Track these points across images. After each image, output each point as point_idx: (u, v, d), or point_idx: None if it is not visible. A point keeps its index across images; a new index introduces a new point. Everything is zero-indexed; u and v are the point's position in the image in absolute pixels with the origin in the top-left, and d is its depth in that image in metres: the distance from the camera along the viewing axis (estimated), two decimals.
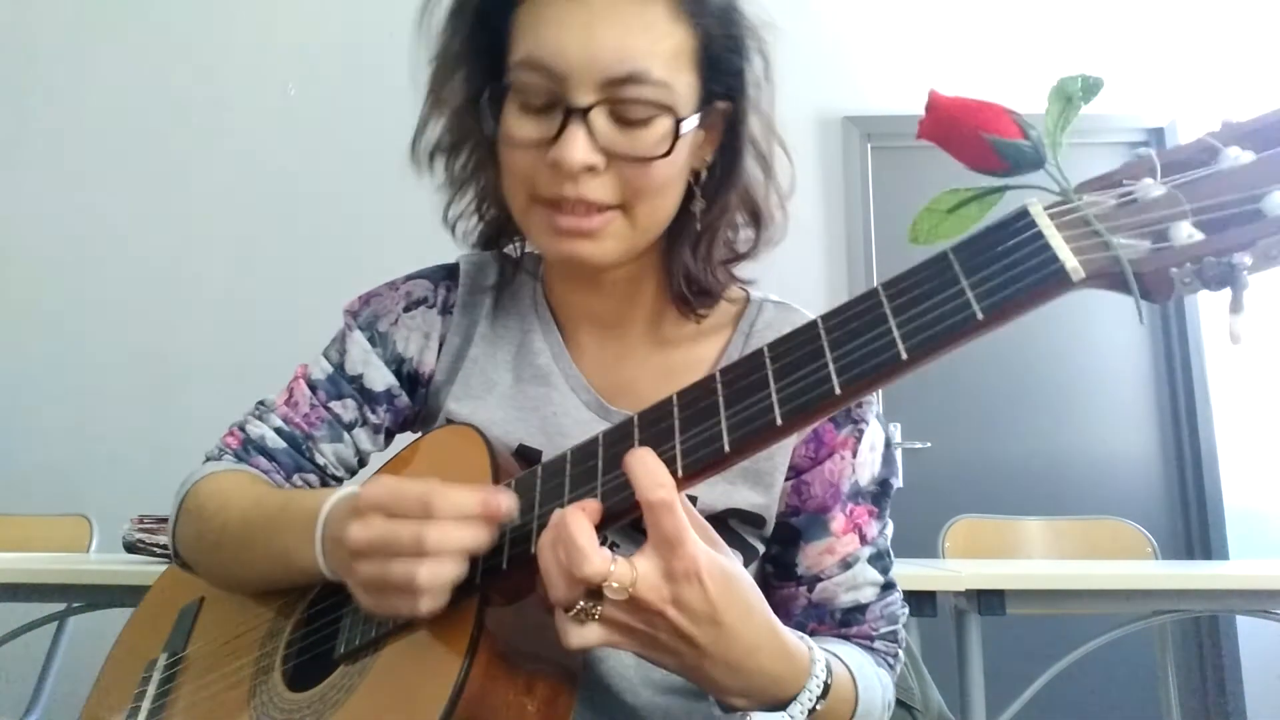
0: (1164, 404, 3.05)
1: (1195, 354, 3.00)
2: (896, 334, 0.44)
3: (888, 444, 0.77)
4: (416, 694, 0.53)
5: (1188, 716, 2.81)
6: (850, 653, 0.68)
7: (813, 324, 0.48)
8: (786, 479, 0.73)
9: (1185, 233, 0.39)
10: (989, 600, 1.53)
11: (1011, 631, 1.94)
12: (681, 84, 0.65)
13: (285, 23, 3.21)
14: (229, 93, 3.21)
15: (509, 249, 0.82)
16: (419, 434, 0.84)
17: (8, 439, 2.98)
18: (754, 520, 0.72)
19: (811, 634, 0.72)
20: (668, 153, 0.64)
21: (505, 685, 0.54)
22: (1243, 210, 0.39)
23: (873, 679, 0.67)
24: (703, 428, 0.50)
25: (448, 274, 0.83)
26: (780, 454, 0.72)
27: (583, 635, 0.49)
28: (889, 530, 0.77)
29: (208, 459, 0.80)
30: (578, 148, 0.62)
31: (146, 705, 0.73)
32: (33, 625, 1.85)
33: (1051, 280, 0.41)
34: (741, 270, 0.78)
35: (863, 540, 0.74)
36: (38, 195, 3.18)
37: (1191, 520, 2.95)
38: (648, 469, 0.48)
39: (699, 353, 0.77)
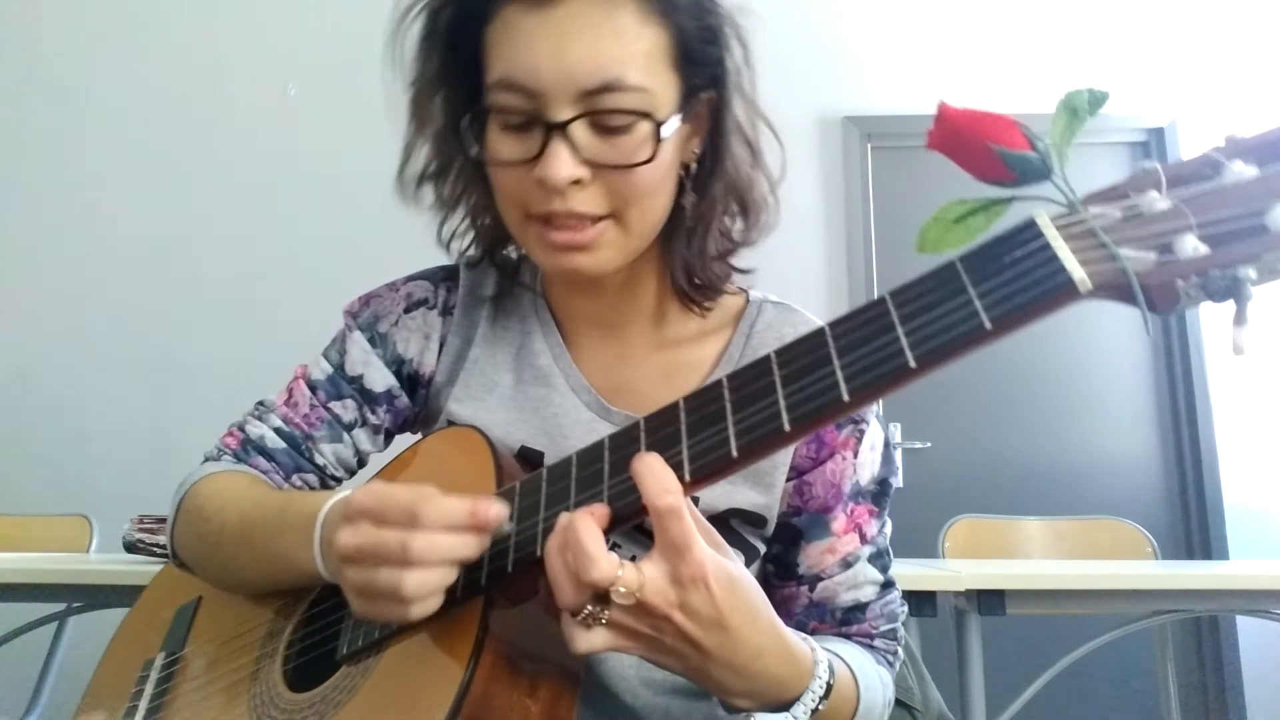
0: (1164, 404, 3.05)
1: (1195, 354, 3.00)
2: (905, 342, 0.44)
3: (887, 443, 0.77)
4: (420, 695, 0.53)
5: (1188, 716, 2.81)
6: (851, 652, 0.68)
7: (820, 331, 0.49)
8: (788, 479, 0.73)
9: (1191, 246, 0.40)
10: (989, 600, 1.53)
11: (1011, 631, 1.94)
12: (659, 84, 0.64)
13: (285, 23, 3.21)
14: (229, 93, 3.21)
15: (508, 250, 0.82)
16: (419, 435, 0.84)
17: (8, 439, 2.98)
18: (755, 520, 0.72)
19: (812, 633, 0.72)
20: (651, 158, 0.64)
21: (509, 687, 0.54)
22: (1247, 225, 0.39)
23: (873, 678, 0.67)
24: (710, 433, 0.50)
25: (448, 275, 0.83)
26: (781, 454, 0.73)
27: (589, 640, 0.49)
28: (888, 529, 0.77)
29: (206, 459, 0.80)
30: (561, 164, 0.62)
31: (144, 704, 0.73)
32: (33, 625, 1.85)
33: (1060, 291, 0.41)
34: (739, 260, 0.77)
35: (863, 539, 0.74)
36: (37, 194, 3.18)
37: (1191, 520, 2.95)
38: (655, 475, 0.48)
39: (699, 353, 0.77)
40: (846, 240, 3.11)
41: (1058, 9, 3.23)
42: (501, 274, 0.80)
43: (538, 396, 0.76)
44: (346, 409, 0.79)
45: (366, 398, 0.80)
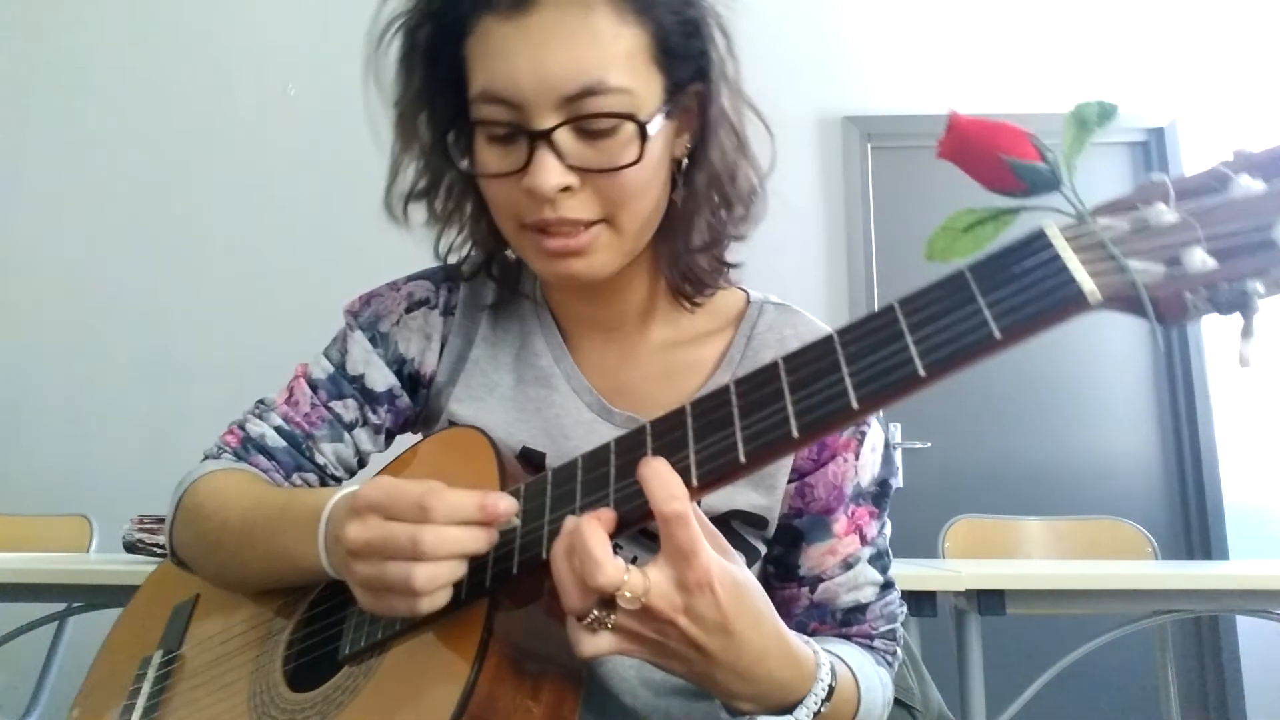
0: (1164, 404, 3.05)
1: (1195, 355, 3.00)
2: (914, 350, 0.45)
3: (887, 445, 0.78)
4: (424, 697, 0.53)
5: (1188, 716, 2.81)
6: (851, 653, 0.68)
7: (829, 338, 0.49)
8: (789, 481, 0.73)
9: (1199, 259, 0.40)
10: (989, 600, 1.53)
11: (1011, 631, 1.94)
12: (641, 83, 0.64)
13: (285, 23, 3.22)
14: (229, 93, 3.21)
15: (507, 253, 0.81)
16: (419, 435, 0.84)
17: (8, 439, 2.98)
18: (756, 522, 0.72)
19: (812, 633, 0.72)
20: (638, 159, 0.63)
21: (513, 689, 0.54)
22: (1255, 239, 0.40)
23: (873, 678, 0.68)
24: (717, 438, 0.50)
25: (449, 275, 0.83)
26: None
27: (595, 644, 0.50)
28: (887, 530, 0.77)
29: (206, 457, 0.80)
30: (548, 173, 0.62)
31: (141, 703, 0.73)
32: (33, 625, 1.85)
33: (1069, 302, 0.42)
34: (732, 255, 0.76)
35: (863, 541, 0.75)
36: (37, 196, 3.18)
37: (1191, 520, 2.95)
38: (662, 480, 0.48)
39: (701, 354, 0.77)
40: (846, 240, 3.11)
41: (1058, 9, 3.23)
42: (501, 285, 0.80)
43: (539, 397, 0.76)
44: (347, 408, 0.79)
45: (367, 397, 0.80)
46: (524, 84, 0.61)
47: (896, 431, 2.93)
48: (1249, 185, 0.41)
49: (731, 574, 0.51)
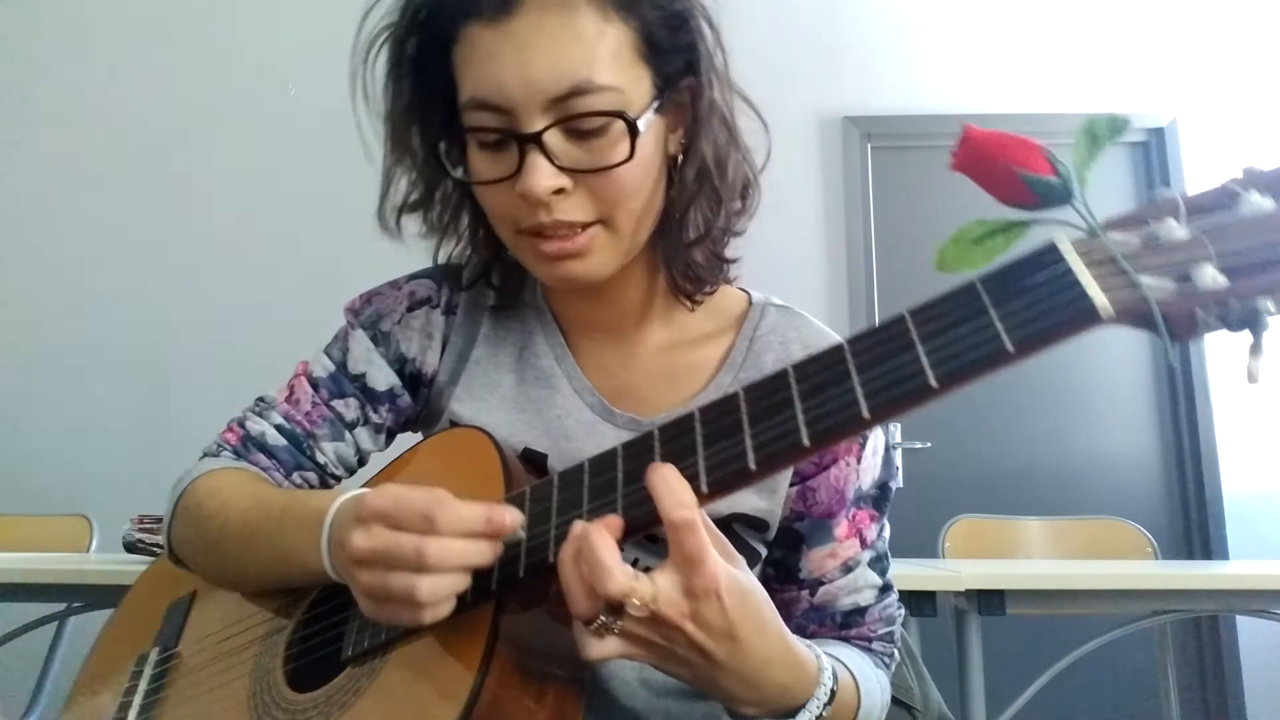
0: (1164, 404, 3.05)
1: (1195, 354, 3.00)
2: (925, 361, 0.45)
3: (888, 447, 0.78)
4: (429, 699, 0.53)
5: (1188, 716, 2.80)
6: (851, 656, 0.69)
7: (838, 347, 0.49)
8: (791, 484, 0.73)
9: (1209, 276, 0.40)
10: (989, 600, 1.53)
11: (1011, 631, 1.94)
12: (629, 81, 0.64)
13: (285, 23, 3.22)
14: (229, 93, 3.21)
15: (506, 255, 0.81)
16: (420, 434, 0.84)
17: (8, 439, 2.98)
18: (758, 525, 0.72)
19: (811, 635, 0.73)
20: (629, 156, 0.63)
21: (518, 692, 0.54)
22: (1266, 257, 0.40)
23: (873, 681, 0.68)
24: (726, 444, 0.50)
25: (450, 274, 0.83)
26: None
27: (601, 648, 0.50)
28: (886, 532, 0.77)
29: (205, 455, 0.80)
30: (540, 176, 0.62)
31: (138, 700, 0.73)
32: (33, 625, 1.85)
33: (1082, 317, 0.42)
34: (730, 250, 0.76)
35: (863, 544, 0.75)
36: (37, 195, 3.18)
37: (1191, 520, 2.95)
38: (670, 487, 0.48)
39: (703, 355, 0.76)
40: (846, 240, 3.11)
41: (1058, 9, 3.23)
42: (502, 294, 0.79)
43: (540, 398, 0.76)
44: (349, 407, 0.79)
45: (369, 396, 0.79)
46: (511, 88, 0.61)
47: (896, 432, 2.93)
48: (1259, 203, 0.41)
49: (738, 580, 0.51)
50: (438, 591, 0.52)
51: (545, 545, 0.54)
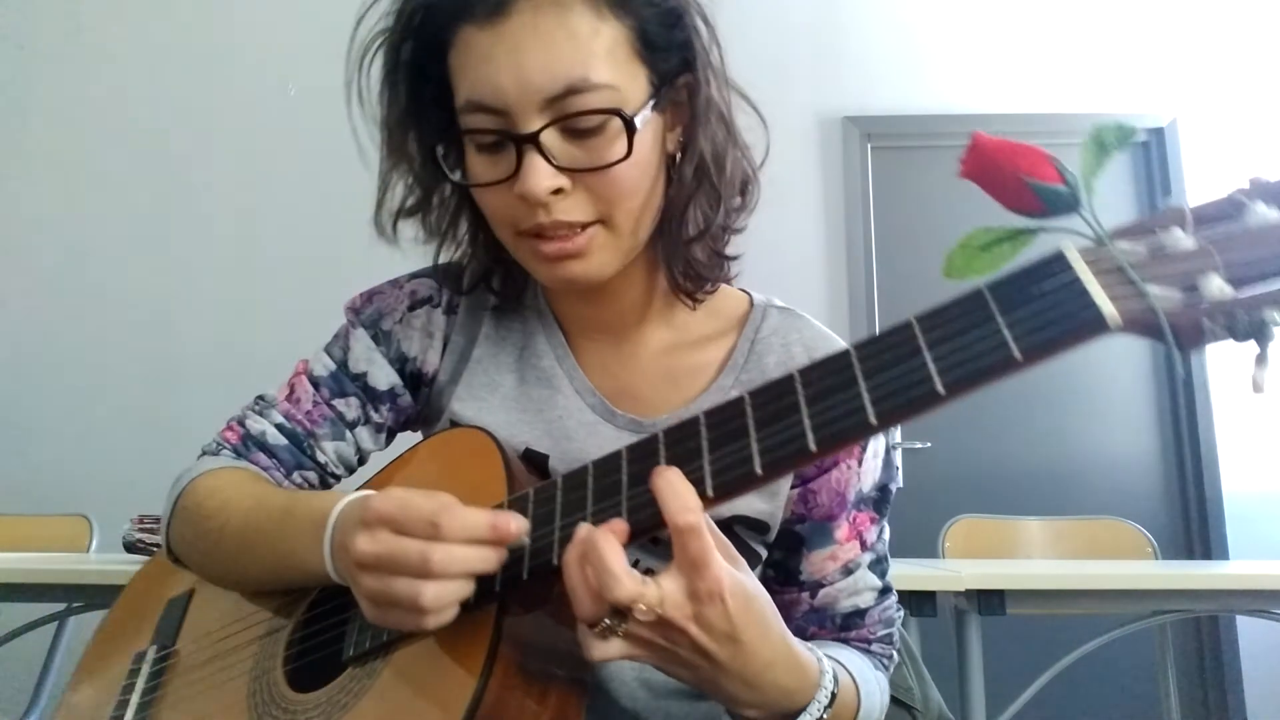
0: (1164, 404, 3.05)
1: (1196, 355, 3.00)
2: (933, 368, 0.45)
3: (888, 449, 0.77)
4: (432, 701, 0.53)
5: (1188, 716, 2.80)
6: (851, 658, 0.69)
7: (845, 352, 0.49)
8: (792, 487, 0.73)
9: (1216, 286, 0.40)
10: (989, 600, 1.53)
11: (1011, 631, 1.94)
12: (625, 78, 0.63)
13: (285, 23, 3.22)
14: (229, 93, 3.21)
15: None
16: (420, 433, 0.84)
17: (8, 439, 2.98)
18: (758, 527, 0.72)
19: (811, 637, 0.73)
20: (627, 154, 0.63)
21: (521, 694, 0.54)
22: (1272, 268, 0.40)
23: (872, 683, 0.68)
24: (732, 449, 0.50)
25: (451, 274, 0.83)
26: None
27: (605, 649, 0.50)
28: (886, 534, 0.77)
29: (204, 453, 0.79)
30: (538, 176, 0.62)
31: (136, 698, 0.72)
32: (33, 625, 1.85)
33: (1090, 326, 0.42)
34: (730, 248, 0.75)
35: (863, 546, 0.75)
36: (37, 195, 3.18)
37: (1191, 520, 2.95)
38: (676, 491, 0.49)
39: (704, 357, 0.76)
40: (846, 240, 3.11)
41: (1058, 9, 3.23)
42: (502, 299, 0.79)
43: (541, 398, 0.76)
44: (350, 407, 0.79)
45: (369, 395, 0.79)
46: (507, 89, 0.61)
47: (896, 433, 2.92)
48: (1265, 214, 0.41)
49: (742, 584, 0.51)
50: (442, 598, 0.52)
51: (550, 547, 0.53)
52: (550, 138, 0.62)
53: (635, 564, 0.50)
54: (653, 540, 0.65)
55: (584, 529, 0.50)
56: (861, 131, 3.17)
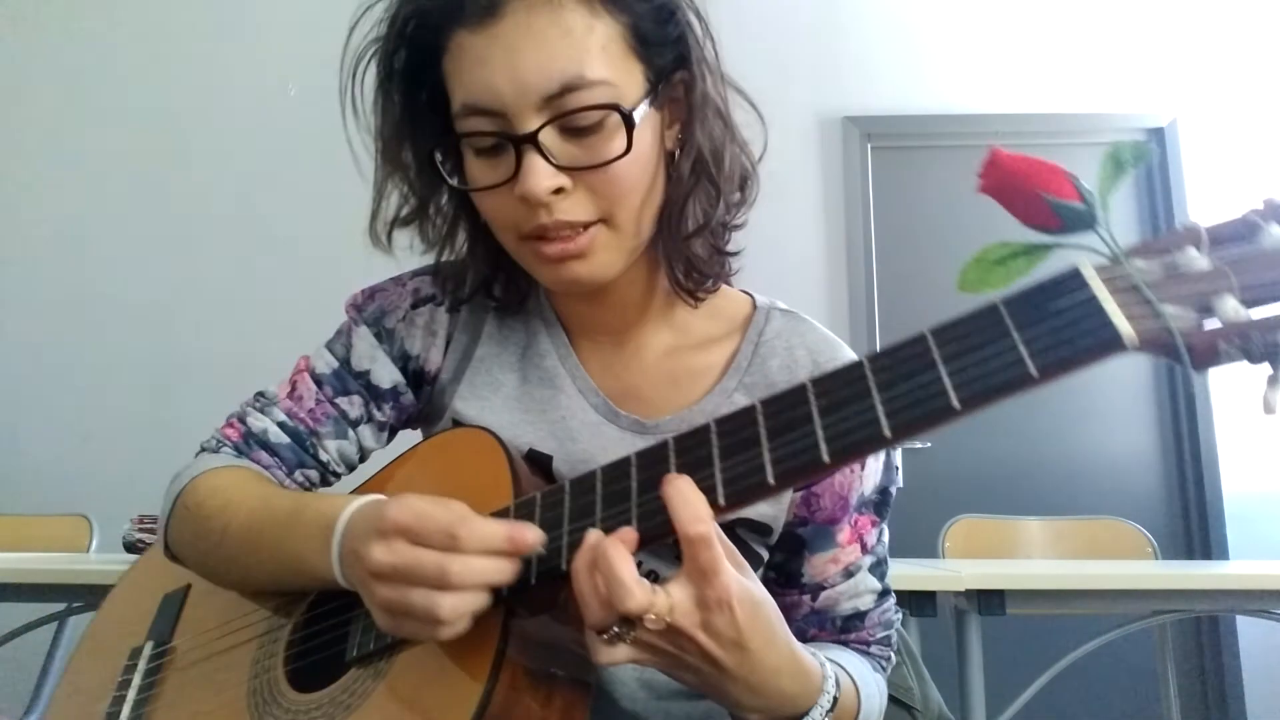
0: (1164, 404, 3.05)
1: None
2: (948, 382, 0.45)
3: (888, 451, 0.77)
4: (438, 704, 0.53)
5: (1188, 716, 2.81)
6: (851, 661, 0.69)
7: (858, 364, 0.49)
8: (795, 490, 0.73)
9: (1231, 307, 0.41)
10: (989, 600, 1.53)
11: (1011, 631, 1.94)
12: (622, 75, 0.63)
13: (285, 23, 3.22)
14: (229, 92, 3.21)
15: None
16: (421, 431, 0.84)
17: (8, 439, 2.98)
18: (761, 529, 0.72)
19: (811, 639, 0.73)
20: (627, 149, 0.63)
21: (528, 697, 0.54)
22: None
23: (872, 685, 0.69)
24: (744, 458, 0.50)
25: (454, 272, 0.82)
26: None
27: (612, 654, 0.50)
28: (886, 537, 0.77)
29: (203, 450, 0.78)
30: (538, 176, 0.61)
31: (132, 695, 0.72)
32: (33, 625, 1.85)
33: (1107, 344, 0.42)
34: (729, 244, 0.75)
35: (864, 549, 0.75)
36: (37, 194, 3.18)
37: (1191, 520, 2.95)
38: (687, 500, 0.49)
39: (707, 359, 0.76)
40: (846, 240, 3.11)
41: (1058, 9, 3.23)
42: (504, 308, 0.79)
43: (544, 398, 0.76)
44: (353, 405, 0.78)
45: (372, 394, 0.79)
46: (503, 90, 0.61)
47: None
48: (1278, 235, 0.41)
49: (749, 591, 0.51)
50: (459, 609, 0.51)
51: (558, 552, 0.53)
52: (549, 137, 0.62)
53: (639, 565, 0.50)
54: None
55: (594, 535, 0.50)
56: (861, 131, 3.17)
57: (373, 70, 0.69)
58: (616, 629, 0.49)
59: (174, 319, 3.06)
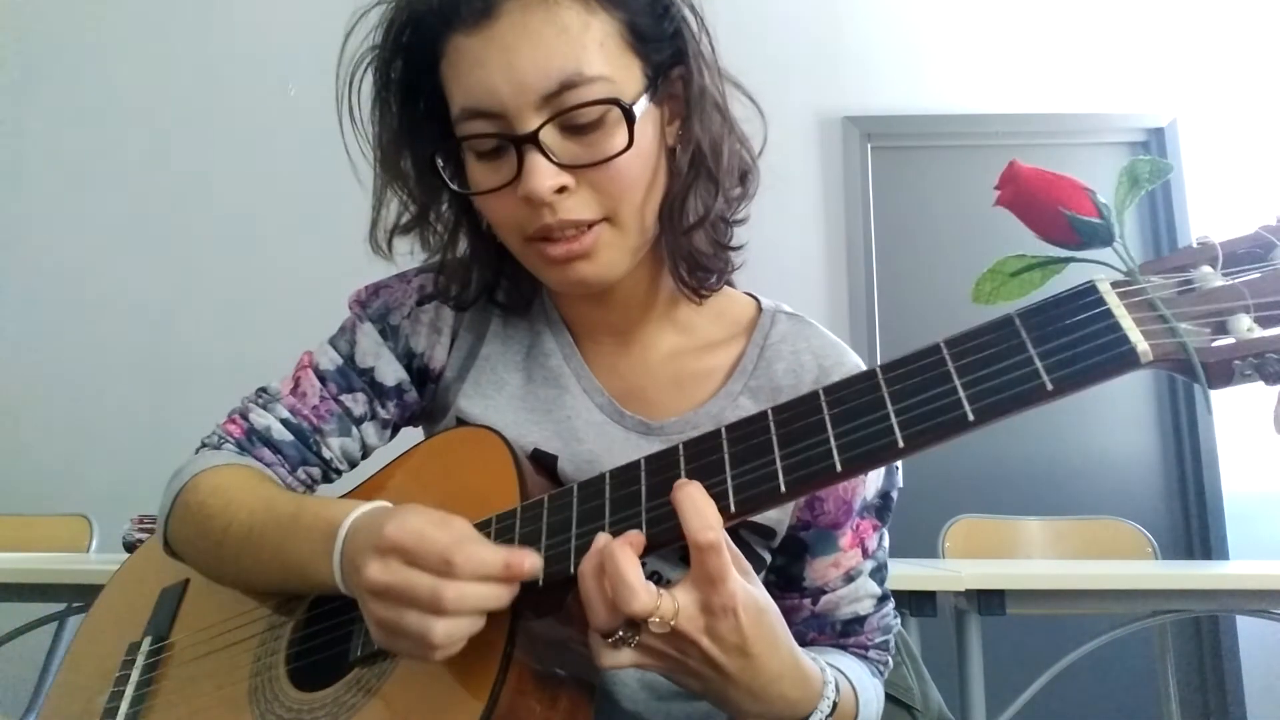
0: (1164, 404, 3.05)
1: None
2: (962, 394, 0.45)
3: None
4: (445, 706, 0.53)
5: (1188, 716, 2.80)
6: (850, 665, 0.69)
7: (871, 373, 0.49)
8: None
9: (1245, 326, 0.41)
10: (989, 600, 1.53)
11: (1011, 631, 1.94)
12: (620, 70, 0.63)
13: (285, 23, 3.21)
14: (229, 93, 3.21)
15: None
16: (423, 428, 0.83)
17: (8, 439, 2.98)
18: (764, 532, 0.72)
19: (811, 642, 0.74)
20: (629, 144, 0.63)
21: (533, 700, 0.54)
22: None
23: (870, 690, 0.69)
24: (755, 465, 0.50)
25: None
26: None
27: (616, 658, 0.50)
28: (886, 541, 0.78)
29: (205, 445, 0.78)
30: (541, 175, 0.61)
31: (130, 690, 0.72)
32: (33, 625, 1.85)
33: (1122, 360, 0.42)
34: (730, 238, 0.75)
35: (865, 554, 0.75)
36: (37, 194, 3.18)
37: (1191, 520, 2.95)
38: (697, 508, 0.49)
39: (713, 361, 0.76)
40: (846, 240, 3.11)
41: (1058, 8, 3.23)
42: (507, 312, 0.79)
43: (549, 398, 0.75)
44: (357, 402, 0.78)
45: (377, 391, 0.78)
46: (502, 91, 0.61)
47: None
48: None
49: (754, 597, 0.51)
50: (453, 634, 0.51)
51: (565, 556, 0.53)
52: (550, 135, 0.62)
53: (643, 566, 0.50)
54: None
55: (602, 539, 0.50)
56: (861, 131, 3.17)
57: (369, 79, 0.69)
58: (621, 633, 0.49)
59: (174, 319, 3.06)
